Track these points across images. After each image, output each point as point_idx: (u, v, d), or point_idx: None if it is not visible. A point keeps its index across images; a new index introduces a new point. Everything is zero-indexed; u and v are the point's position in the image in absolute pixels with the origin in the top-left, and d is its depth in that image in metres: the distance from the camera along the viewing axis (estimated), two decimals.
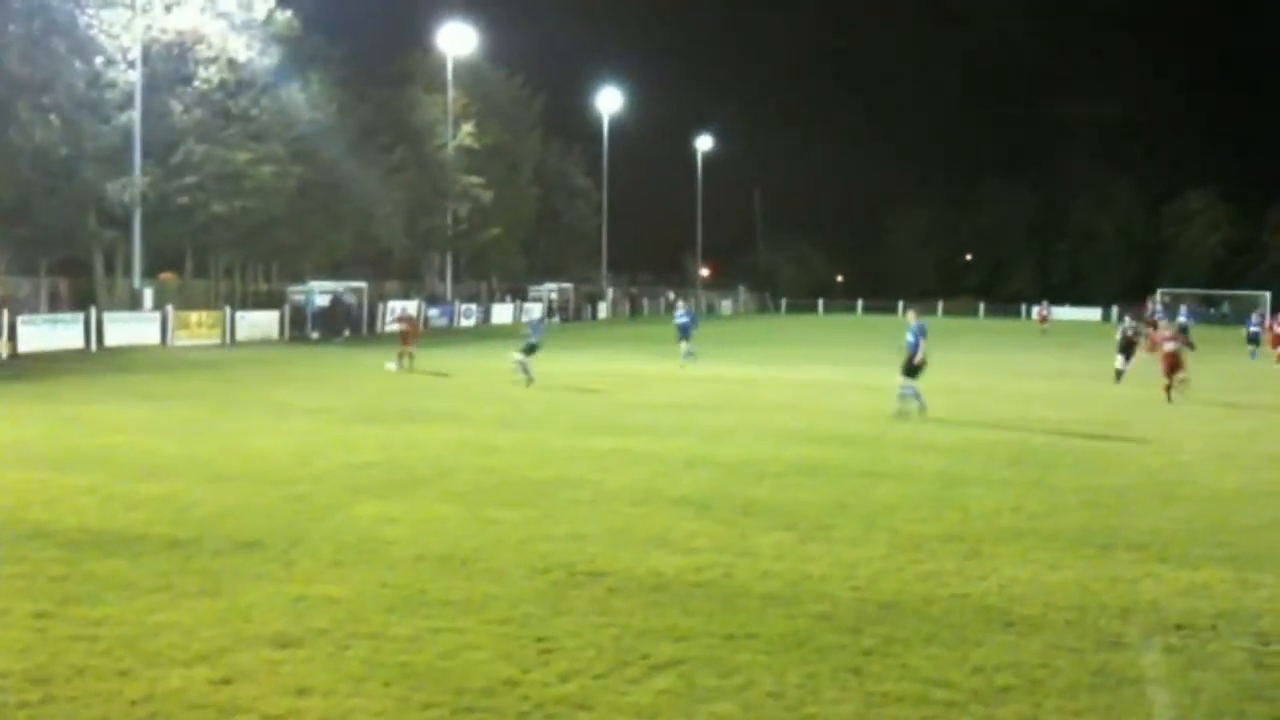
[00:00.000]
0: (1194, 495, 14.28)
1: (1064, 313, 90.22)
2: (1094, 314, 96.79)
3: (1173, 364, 25.65)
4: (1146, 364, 29.07)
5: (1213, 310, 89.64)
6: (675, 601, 9.13)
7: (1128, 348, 31.34)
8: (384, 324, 53.44)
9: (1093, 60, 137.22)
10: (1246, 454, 18.05)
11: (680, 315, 37.28)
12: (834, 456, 16.84)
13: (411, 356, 31.87)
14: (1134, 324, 33.30)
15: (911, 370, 22.17)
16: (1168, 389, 25.49)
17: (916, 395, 21.99)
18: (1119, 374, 30.99)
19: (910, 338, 22.20)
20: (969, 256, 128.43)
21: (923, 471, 15.63)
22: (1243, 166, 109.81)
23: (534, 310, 47.77)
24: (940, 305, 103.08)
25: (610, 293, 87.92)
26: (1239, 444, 19.14)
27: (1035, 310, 72.39)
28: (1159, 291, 77.71)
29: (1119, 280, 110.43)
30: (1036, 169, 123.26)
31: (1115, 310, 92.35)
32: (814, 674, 7.56)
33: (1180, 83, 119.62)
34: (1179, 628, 8.72)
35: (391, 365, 31.68)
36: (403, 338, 32.80)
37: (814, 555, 10.72)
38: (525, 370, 27.57)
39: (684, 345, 35.88)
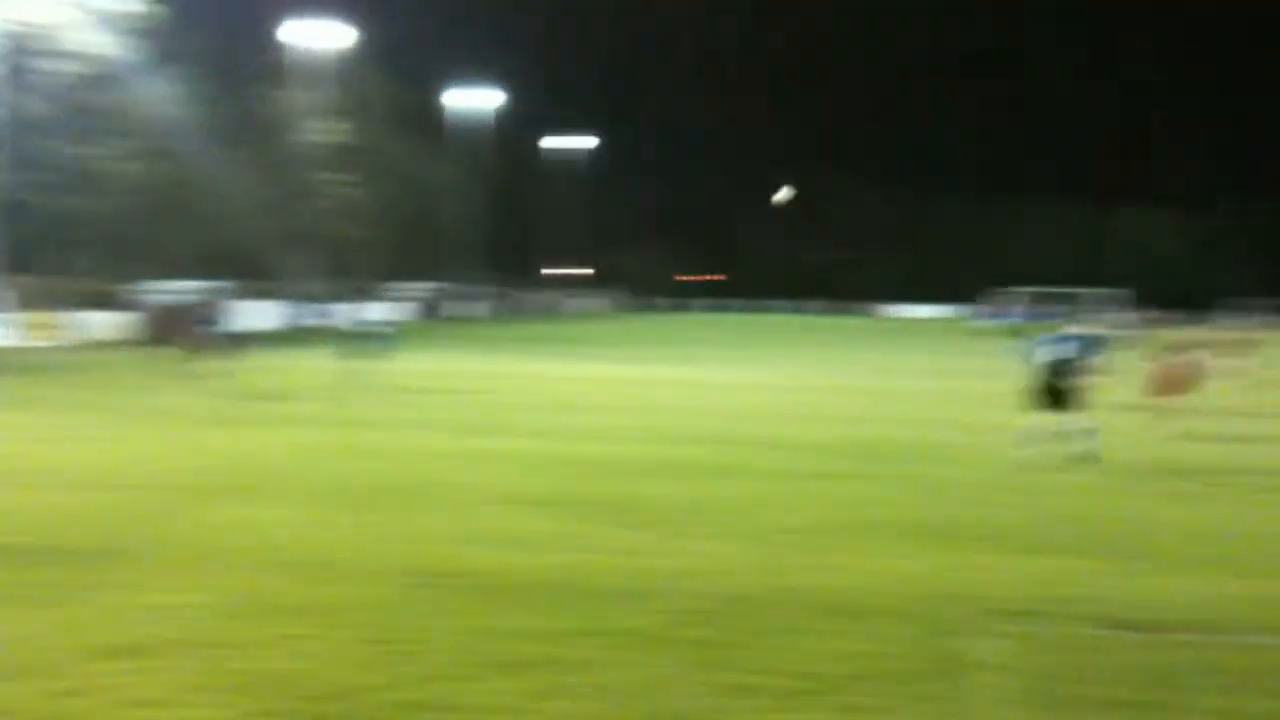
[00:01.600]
0: (1056, 487, 14.71)
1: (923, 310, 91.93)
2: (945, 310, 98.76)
3: None
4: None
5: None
6: (529, 600, 9.07)
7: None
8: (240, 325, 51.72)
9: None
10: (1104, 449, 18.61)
11: (368, 325, 27.90)
12: (698, 455, 16.92)
13: (189, 359, 27.00)
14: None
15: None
16: None
17: (1085, 433, 16.55)
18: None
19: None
20: (834, 255, 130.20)
21: (787, 469, 15.79)
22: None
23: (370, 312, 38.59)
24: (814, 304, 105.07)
25: (483, 292, 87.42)
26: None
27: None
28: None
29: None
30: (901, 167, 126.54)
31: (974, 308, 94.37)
32: (668, 668, 7.58)
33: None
34: (1025, 614, 8.95)
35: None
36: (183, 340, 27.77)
37: (670, 551, 10.76)
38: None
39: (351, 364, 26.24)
